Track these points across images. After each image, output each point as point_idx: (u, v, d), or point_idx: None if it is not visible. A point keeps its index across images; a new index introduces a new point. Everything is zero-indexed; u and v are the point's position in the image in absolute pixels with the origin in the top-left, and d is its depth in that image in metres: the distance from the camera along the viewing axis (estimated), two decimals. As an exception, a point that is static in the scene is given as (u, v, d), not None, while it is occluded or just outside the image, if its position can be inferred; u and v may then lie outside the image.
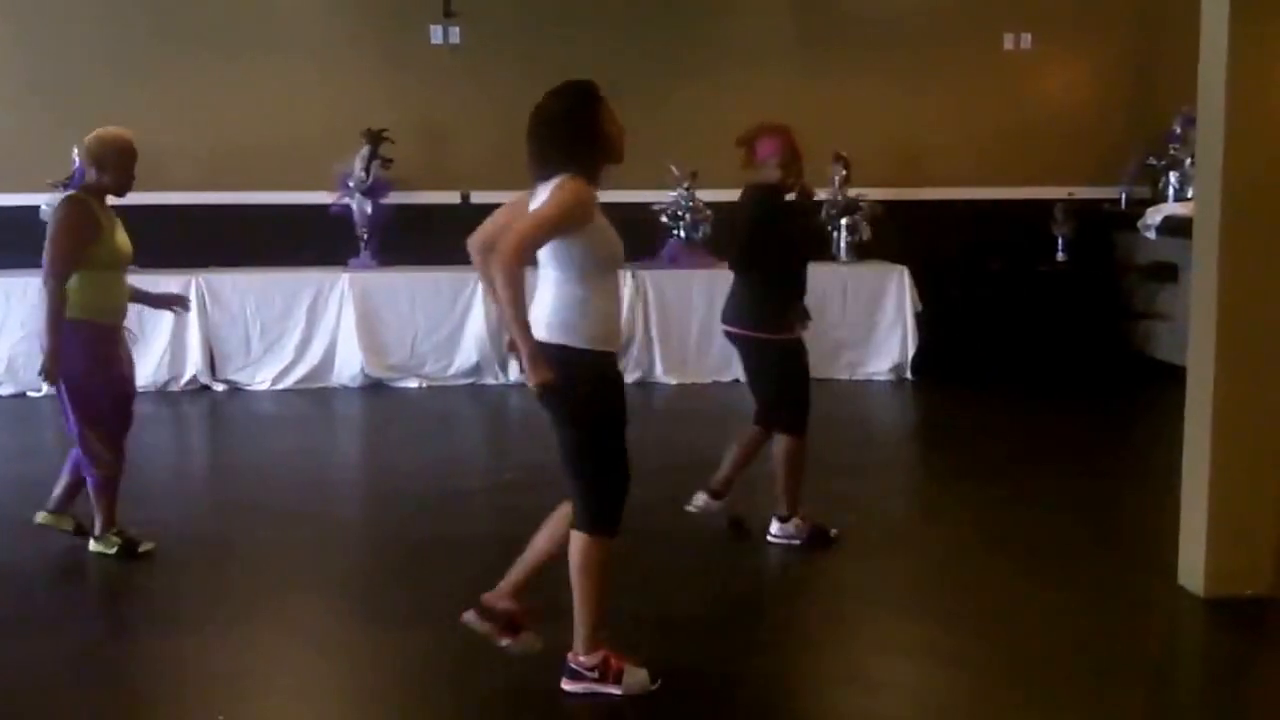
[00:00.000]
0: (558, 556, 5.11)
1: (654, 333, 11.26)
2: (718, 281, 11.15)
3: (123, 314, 6.80)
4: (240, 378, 11.07)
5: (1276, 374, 6.01)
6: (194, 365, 10.95)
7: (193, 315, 10.86)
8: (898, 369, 11.54)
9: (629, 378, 11.25)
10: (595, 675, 5.04)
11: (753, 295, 6.86)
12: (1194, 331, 6.15)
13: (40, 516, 6.94)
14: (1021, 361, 11.66)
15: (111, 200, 6.79)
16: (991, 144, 12.32)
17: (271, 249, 11.30)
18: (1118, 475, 8.46)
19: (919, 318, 11.53)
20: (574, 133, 4.88)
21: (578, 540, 4.98)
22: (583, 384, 4.85)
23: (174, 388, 10.92)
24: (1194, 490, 6.13)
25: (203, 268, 11.14)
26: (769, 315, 6.85)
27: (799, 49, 12.25)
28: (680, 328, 11.35)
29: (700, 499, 7.18)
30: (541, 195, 4.87)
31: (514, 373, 11.04)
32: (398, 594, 6.21)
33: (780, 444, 6.93)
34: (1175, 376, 7.18)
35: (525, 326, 4.78)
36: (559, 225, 4.77)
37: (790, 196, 6.94)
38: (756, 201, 6.85)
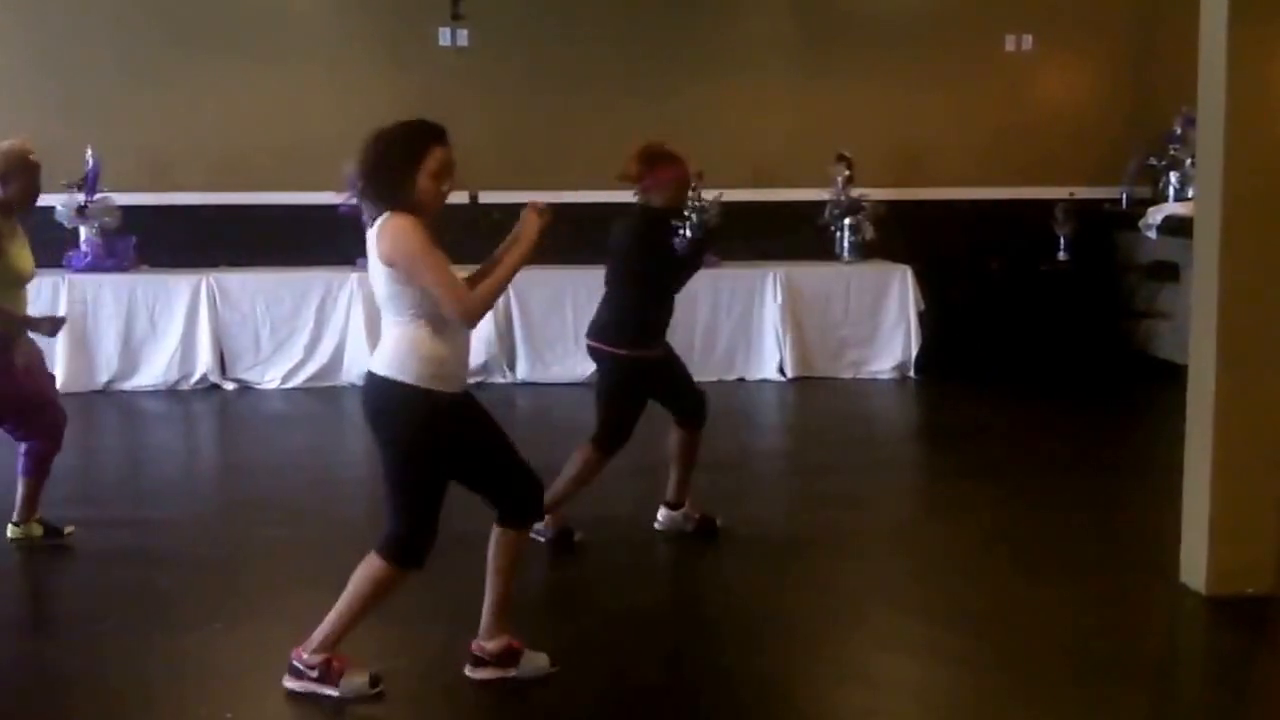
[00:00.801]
0: (512, 580, 5.19)
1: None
2: (723, 280, 11.26)
3: (19, 327, 6.69)
4: (250, 376, 11.12)
5: (1277, 372, 6.04)
6: (204, 364, 10.99)
7: (203, 314, 10.95)
8: (901, 368, 11.59)
9: (635, 376, 11.31)
10: (315, 675, 5.02)
11: (605, 309, 6.93)
12: (1195, 330, 6.17)
13: (10, 530, 6.91)
14: (1024, 360, 11.70)
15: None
16: (993, 144, 12.35)
17: (281, 249, 11.34)
18: (1120, 474, 8.48)
19: (922, 317, 11.58)
20: (388, 170, 4.81)
21: (373, 558, 5.00)
22: (404, 416, 4.84)
23: (184, 386, 10.97)
24: (1195, 488, 6.15)
25: (213, 268, 11.19)
26: (633, 333, 6.85)
27: (802, 50, 12.28)
28: (685, 327, 11.34)
29: (662, 513, 7.14)
30: (370, 241, 4.85)
31: (521, 372, 11.10)
32: (406, 591, 6.21)
33: (583, 451, 6.90)
34: (1176, 375, 7.21)
35: (507, 266, 4.91)
36: (433, 255, 4.74)
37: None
38: (649, 225, 6.87)
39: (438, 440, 4.91)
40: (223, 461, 9.63)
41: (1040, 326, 11.93)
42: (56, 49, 11.43)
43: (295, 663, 5.07)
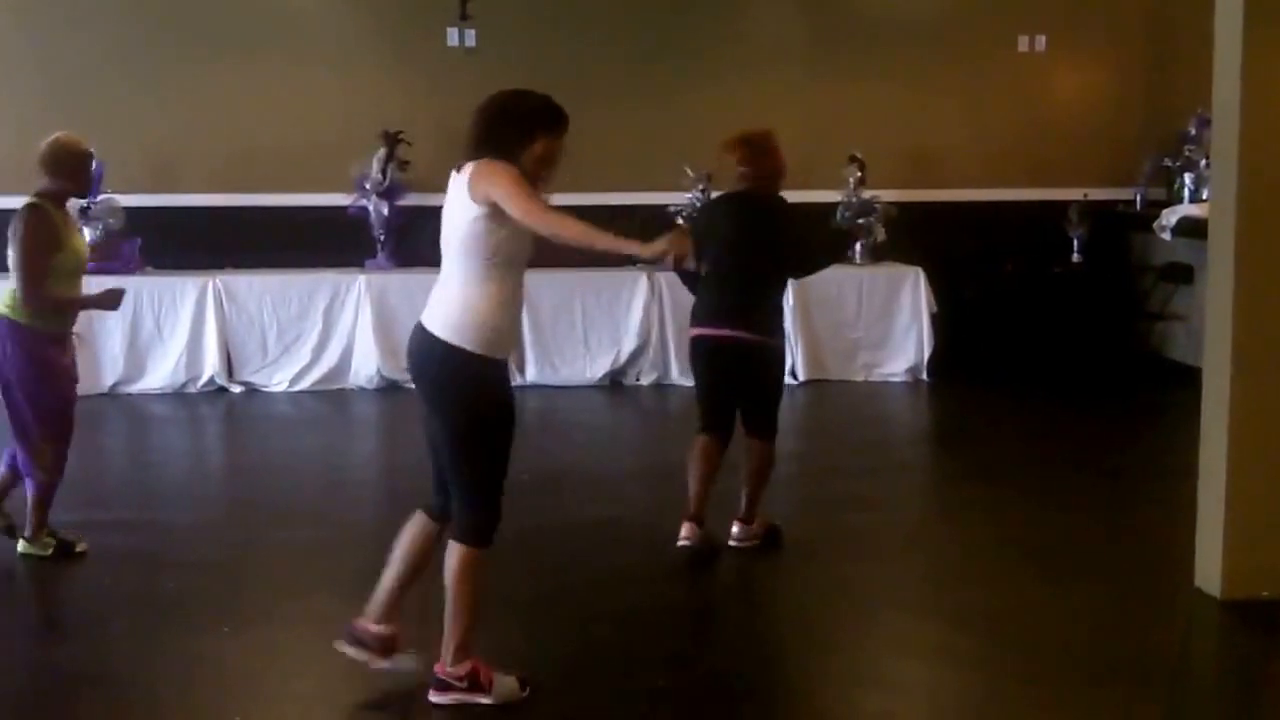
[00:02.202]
0: (420, 571, 5.13)
1: (669, 334, 11.24)
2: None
3: (72, 321, 6.79)
4: (257, 379, 11.08)
5: (1292, 375, 6.01)
6: (211, 366, 10.96)
7: (210, 317, 10.91)
8: (914, 370, 11.55)
9: (645, 379, 11.27)
10: (465, 685, 4.98)
11: (770, 302, 6.88)
12: (1209, 332, 6.15)
13: (21, 546, 6.80)
14: (1037, 362, 11.65)
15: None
16: (1006, 145, 12.31)
17: (288, 251, 11.32)
18: (1134, 476, 8.46)
19: (934, 319, 11.53)
20: (512, 136, 4.81)
21: (456, 549, 4.95)
22: (464, 383, 4.83)
23: (191, 389, 10.93)
24: (1210, 492, 6.12)
25: (220, 269, 11.17)
26: (780, 321, 6.94)
27: (813, 50, 12.26)
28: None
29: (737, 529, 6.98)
30: (461, 179, 4.81)
31: (530, 374, 11.05)
32: (414, 594, 6.19)
33: (760, 450, 6.87)
34: (1191, 377, 7.18)
35: (606, 236, 4.72)
36: (525, 185, 4.72)
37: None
38: (787, 209, 6.90)
39: (498, 408, 4.90)
40: (230, 464, 9.60)
41: (1054, 328, 11.88)
42: (59, 49, 11.42)
43: (441, 676, 5.01)
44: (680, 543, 6.75)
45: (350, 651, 5.13)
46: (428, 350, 4.90)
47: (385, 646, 5.13)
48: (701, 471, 6.82)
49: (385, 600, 5.15)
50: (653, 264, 4.64)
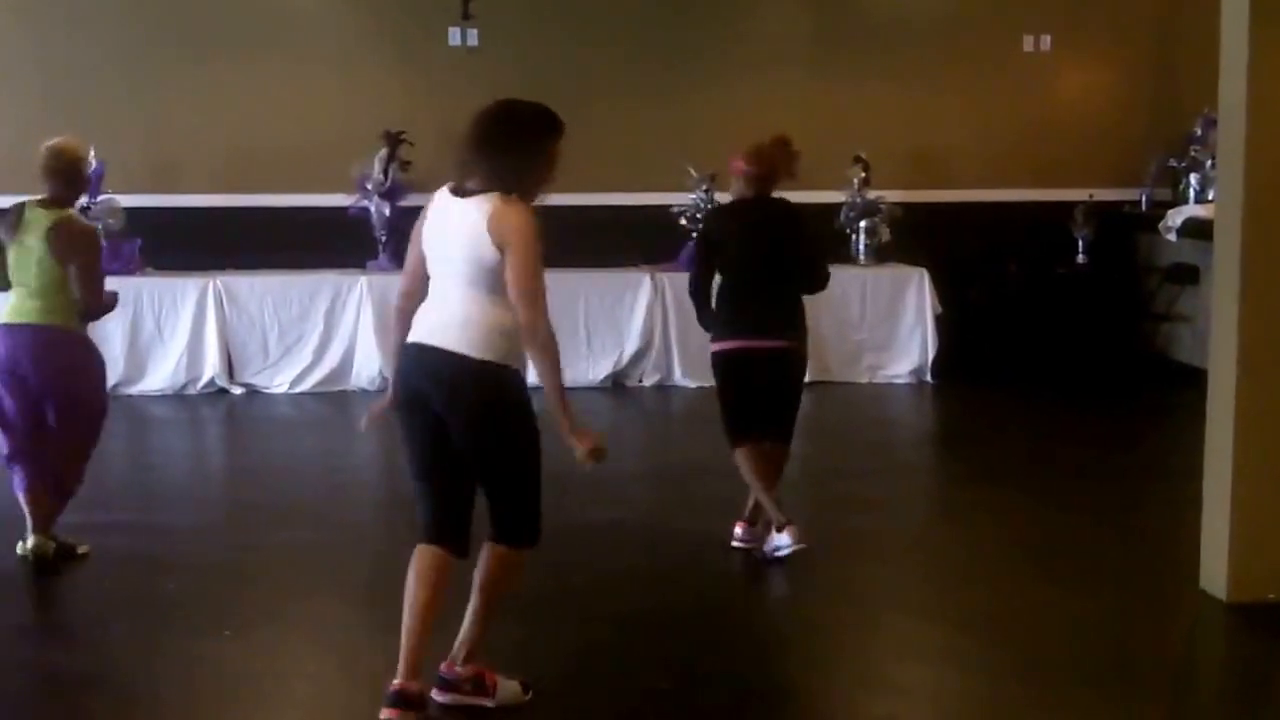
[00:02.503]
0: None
1: (673, 335, 11.21)
2: (736, 284, 11.17)
3: None
4: (258, 380, 11.05)
5: (1299, 376, 5.98)
6: (212, 368, 10.93)
7: (210, 318, 10.89)
8: (918, 371, 11.51)
9: (648, 381, 11.24)
10: (469, 688, 4.97)
11: (800, 306, 6.81)
12: (1215, 334, 6.13)
13: (20, 547, 6.68)
14: (1042, 364, 11.62)
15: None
16: (1011, 146, 12.27)
17: (289, 251, 11.28)
18: (1139, 478, 8.43)
19: (939, 320, 11.50)
20: (519, 149, 4.76)
21: (500, 551, 4.92)
22: (513, 400, 4.84)
23: (191, 390, 10.90)
24: (1216, 494, 6.09)
25: (220, 270, 11.14)
26: (805, 324, 6.87)
27: (817, 51, 12.23)
28: (699, 330, 11.26)
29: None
30: (471, 214, 4.70)
31: (531, 375, 10.98)
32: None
33: (775, 454, 6.79)
34: (1196, 379, 7.17)
35: (559, 390, 4.80)
36: (540, 259, 4.71)
37: None
38: (800, 215, 6.89)
39: (530, 411, 4.90)
40: (231, 466, 9.60)
41: (1058, 330, 11.85)
42: (59, 48, 11.41)
43: (446, 676, 4.98)
44: (794, 548, 6.57)
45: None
46: (465, 371, 4.77)
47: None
48: (763, 478, 6.68)
49: (415, 650, 4.86)
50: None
